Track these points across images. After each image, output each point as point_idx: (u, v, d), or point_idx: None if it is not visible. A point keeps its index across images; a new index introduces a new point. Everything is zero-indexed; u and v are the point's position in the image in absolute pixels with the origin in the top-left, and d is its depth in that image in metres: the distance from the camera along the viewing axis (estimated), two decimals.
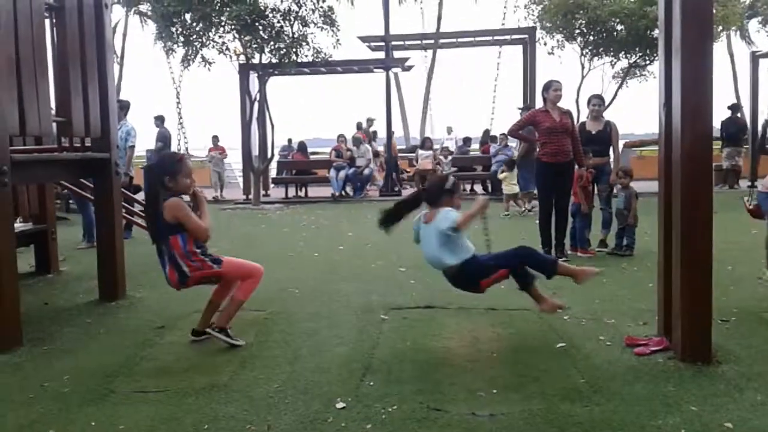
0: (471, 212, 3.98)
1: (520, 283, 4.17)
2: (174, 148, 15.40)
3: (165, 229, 3.97)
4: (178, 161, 4.12)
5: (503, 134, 14.04)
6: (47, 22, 5.05)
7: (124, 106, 9.01)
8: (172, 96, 17.28)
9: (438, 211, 4.05)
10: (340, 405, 3.17)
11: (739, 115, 15.12)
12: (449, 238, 3.97)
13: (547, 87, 7.11)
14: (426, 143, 16.04)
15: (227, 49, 14.12)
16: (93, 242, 7.47)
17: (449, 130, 20.93)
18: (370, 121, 18.12)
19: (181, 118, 16.60)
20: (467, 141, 18.23)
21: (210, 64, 14.14)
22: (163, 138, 14.41)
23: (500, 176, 11.97)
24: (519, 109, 14.25)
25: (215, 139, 17.48)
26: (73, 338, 4.46)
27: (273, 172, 17.82)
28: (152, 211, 4.04)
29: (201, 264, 4.04)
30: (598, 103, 7.69)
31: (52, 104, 5.01)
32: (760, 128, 15.58)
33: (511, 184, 11.55)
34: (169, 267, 4.02)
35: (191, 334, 4.29)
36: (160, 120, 14.47)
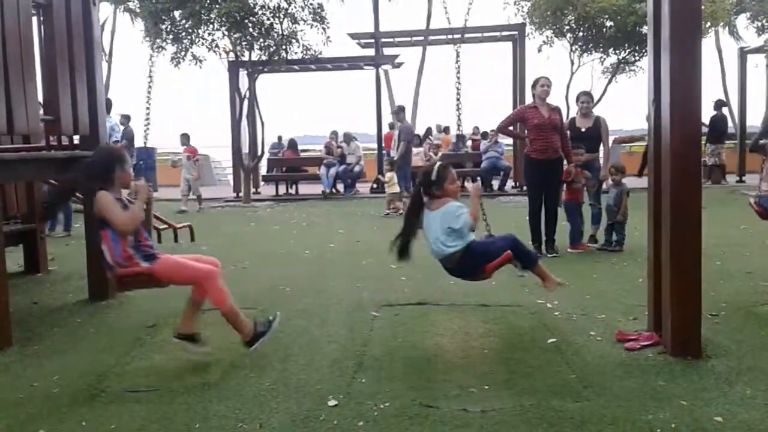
0: (474, 206, 4.14)
1: (524, 262, 4.20)
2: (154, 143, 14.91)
3: (97, 223, 3.73)
4: (117, 154, 3.99)
5: (493, 130, 14.07)
6: (34, 20, 5.01)
7: (107, 105, 9.08)
8: (166, 94, 17.06)
9: (445, 203, 4.05)
10: (332, 402, 3.17)
11: (725, 111, 15.19)
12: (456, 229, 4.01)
13: (534, 83, 7.17)
14: (414, 140, 16.04)
15: (216, 46, 14.04)
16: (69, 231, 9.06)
17: (439, 128, 20.92)
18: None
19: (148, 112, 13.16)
20: (461, 138, 18.27)
21: (201, 62, 14.05)
22: (130, 136, 14.19)
23: (386, 177, 11.91)
24: (391, 113, 14.36)
25: (185, 138, 13.88)
26: (63, 338, 4.43)
27: (263, 170, 17.77)
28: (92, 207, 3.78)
29: (127, 260, 3.66)
30: (586, 100, 7.73)
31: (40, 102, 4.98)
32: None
33: (393, 184, 11.53)
34: (104, 262, 3.75)
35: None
36: (126, 119, 14.13)
